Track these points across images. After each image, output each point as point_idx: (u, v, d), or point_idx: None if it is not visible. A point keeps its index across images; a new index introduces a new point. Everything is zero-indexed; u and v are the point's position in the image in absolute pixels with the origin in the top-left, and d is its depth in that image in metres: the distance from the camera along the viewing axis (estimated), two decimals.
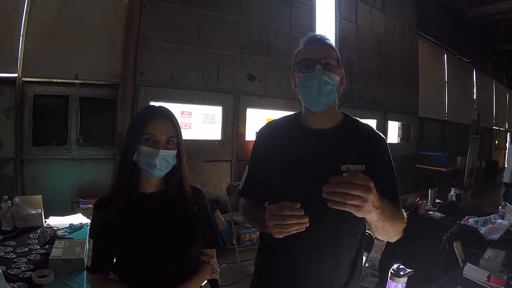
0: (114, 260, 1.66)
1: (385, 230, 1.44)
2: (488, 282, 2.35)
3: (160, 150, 1.57)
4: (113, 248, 1.61)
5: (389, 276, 1.66)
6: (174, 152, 1.63)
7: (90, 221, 1.74)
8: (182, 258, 1.69)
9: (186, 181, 1.74)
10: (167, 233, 1.65)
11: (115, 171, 1.78)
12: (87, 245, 2.62)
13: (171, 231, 1.66)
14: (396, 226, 1.49)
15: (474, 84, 13.80)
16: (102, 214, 1.65)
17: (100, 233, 1.65)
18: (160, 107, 1.70)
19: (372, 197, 1.18)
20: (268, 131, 1.74)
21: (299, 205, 1.27)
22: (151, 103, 5.06)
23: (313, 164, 1.55)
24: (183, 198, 1.72)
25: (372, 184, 1.17)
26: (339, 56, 1.62)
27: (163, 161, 1.59)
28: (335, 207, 1.17)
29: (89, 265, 1.67)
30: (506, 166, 7.83)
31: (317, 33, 1.69)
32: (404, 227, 1.57)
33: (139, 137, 1.59)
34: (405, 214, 1.61)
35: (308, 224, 1.27)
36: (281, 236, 1.31)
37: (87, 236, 2.84)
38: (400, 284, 1.64)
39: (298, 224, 1.27)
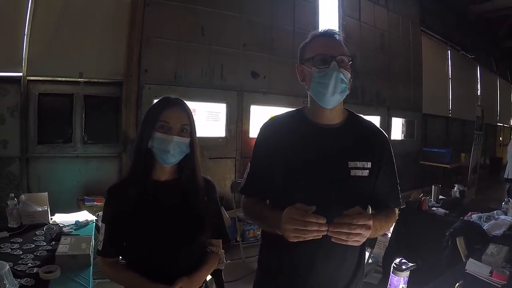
0: (124, 246, 1.68)
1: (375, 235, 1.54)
2: (490, 277, 2.36)
3: (174, 136, 1.62)
4: (124, 233, 1.64)
5: (391, 270, 1.68)
6: (187, 139, 1.67)
7: (103, 206, 1.77)
8: (191, 247, 1.71)
9: (199, 171, 1.77)
10: (177, 221, 1.68)
11: (130, 159, 1.82)
12: (93, 241, 2.66)
13: (182, 220, 1.69)
14: (383, 230, 1.58)
15: (478, 80, 13.72)
16: (115, 199, 1.69)
17: (112, 218, 1.68)
18: (175, 98, 1.74)
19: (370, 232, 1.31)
20: (271, 128, 1.71)
21: (323, 219, 1.27)
22: (155, 100, 5.08)
23: (320, 160, 1.55)
24: (195, 188, 1.75)
25: (371, 222, 1.28)
26: (348, 53, 1.60)
27: (177, 147, 1.63)
28: (338, 242, 1.28)
29: (100, 249, 1.70)
30: (508, 162, 7.78)
31: (328, 27, 1.68)
32: (393, 224, 1.69)
33: (153, 125, 1.64)
34: (396, 212, 1.70)
35: (326, 233, 1.27)
36: (296, 241, 1.31)
37: (100, 221, 2.88)
38: (402, 278, 1.66)
39: (317, 231, 1.27)
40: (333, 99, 1.54)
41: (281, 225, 1.34)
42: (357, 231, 1.25)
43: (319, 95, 1.56)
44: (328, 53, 1.53)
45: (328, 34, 1.60)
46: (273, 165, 1.61)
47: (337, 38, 1.60)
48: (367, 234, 1.29)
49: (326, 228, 1.26)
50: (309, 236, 1.27)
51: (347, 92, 1.56)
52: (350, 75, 1.56)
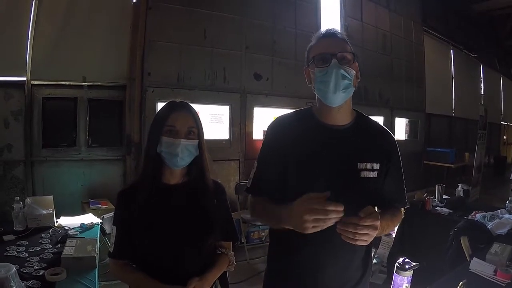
0: (135, 248, 1.69)
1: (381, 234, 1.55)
2: (494, 276, 2.36)
3: (181, 140, 1.63)
4: (134, 236, 1.65)
5: (394, 269, 1.68)
6: (195, 142, 1.68)
7: (114, 208, 1.78)
8: (200, 249, 1.72)
9: (208, 172, 1.79)
10: (187, 223, 1.69)
11: (138, 164, 1.83)
12: (98, 244, 2.68)
13: (191, 222, 1.70)
14: (389, 229, 1.63)
15: (481, 79, 13.68)
16: (126, 203, 1.70)
17: (123, 221, 1.70)
18: (180, 101, 1.75)
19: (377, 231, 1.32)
20: (279, 127, 1.68)
21: (340, 206, 1.23)
22: (159, 103, 5.12)
23: (330, 160, 1.54)
24: (204, 189, 1.76)
25: (378, 223, 1.29)
26: (353, 50, 1.59)
27: (185, 150, 1.64)
28: (347, 241, 1.29)
29: (111, 251, 1.72)
30: None
31: (330, 27, 1.67)
32: (398, 223, 1.70)
33: (161, 129, 1.66)
34: (402, 212, 1.71)
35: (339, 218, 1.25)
36: (312, 232, 1.26)
37: (105, 224, 2.90)
38: (405, 278, 1.66)
39: (336, 219, 1.24)
40: (336, 97, 1.52)
41: (294, 218, 1.29)
42: (364, 231, 1.26)
43: (322, 93, 1.55)
44: (328, 51, 1.52)
45: (329, 33, 1.60)
46: (285, 164, 1.59)
47: (339, 36, 1.59)
48: (374, 234, 1.29)
49: (343, 214, 1.23)
50: (328, 225, 1.24)
51: (352, 88, 1.55)
52: (355, 72, 1.55)
